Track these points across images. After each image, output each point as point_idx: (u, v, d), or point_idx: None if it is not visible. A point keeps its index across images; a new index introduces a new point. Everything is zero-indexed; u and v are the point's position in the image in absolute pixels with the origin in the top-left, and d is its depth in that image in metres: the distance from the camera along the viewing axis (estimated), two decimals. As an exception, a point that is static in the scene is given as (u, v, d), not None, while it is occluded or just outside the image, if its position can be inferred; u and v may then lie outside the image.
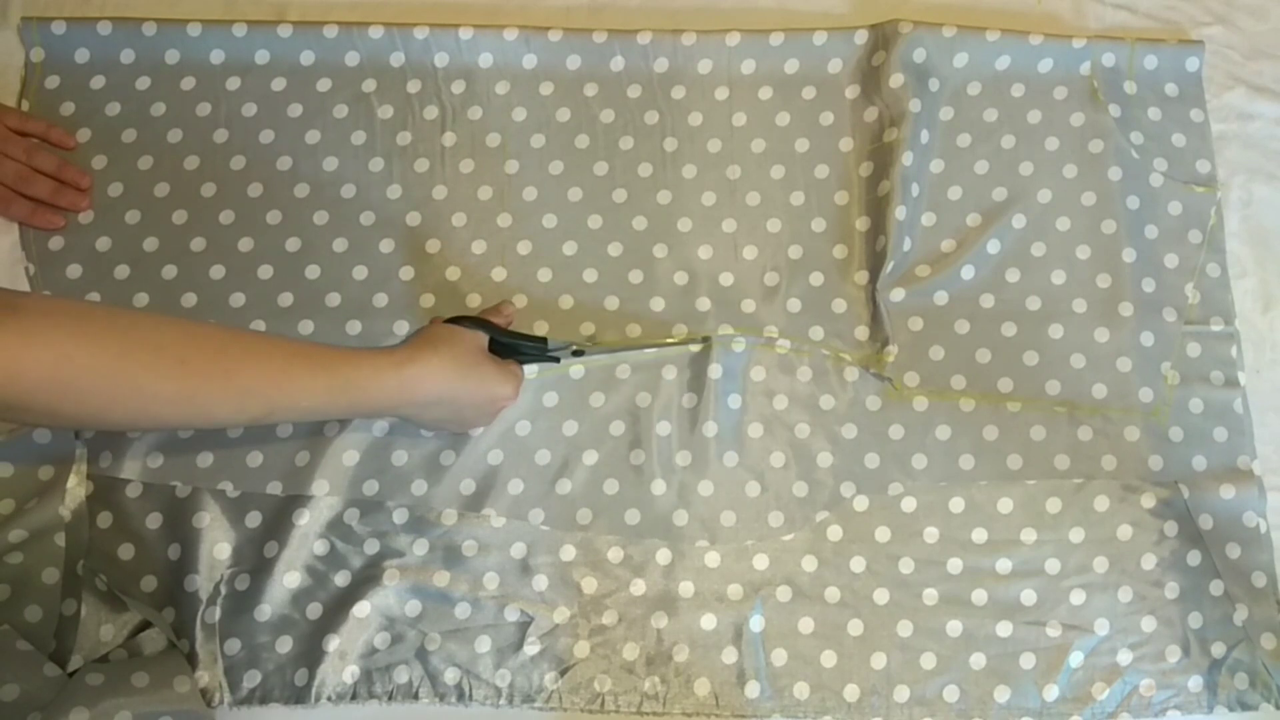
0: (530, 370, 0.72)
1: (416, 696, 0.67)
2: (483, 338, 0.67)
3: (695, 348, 0.73)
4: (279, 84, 0.78)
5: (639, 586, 0.70)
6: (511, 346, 0.69)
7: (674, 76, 0.79)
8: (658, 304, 0.74)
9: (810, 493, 0.71)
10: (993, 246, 0.76)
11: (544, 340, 0.71)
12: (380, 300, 0.74)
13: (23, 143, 0.73)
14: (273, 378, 0.56)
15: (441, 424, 0.69)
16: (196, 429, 0.66)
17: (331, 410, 0.61)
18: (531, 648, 0.68)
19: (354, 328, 0.73)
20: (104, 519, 0.69)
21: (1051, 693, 0.69)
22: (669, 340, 0.73)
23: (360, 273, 0.74)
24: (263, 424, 0.65)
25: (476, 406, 0.68)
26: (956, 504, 0.71)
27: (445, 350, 0.64)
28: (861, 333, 0.74)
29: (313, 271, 0.74)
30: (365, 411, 0.66)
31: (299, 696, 0.66)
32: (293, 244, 0.75)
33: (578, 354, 0.72)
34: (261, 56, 0.78)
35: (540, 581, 0.69)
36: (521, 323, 0.74)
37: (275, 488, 0.70)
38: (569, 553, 0.70)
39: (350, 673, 0.67)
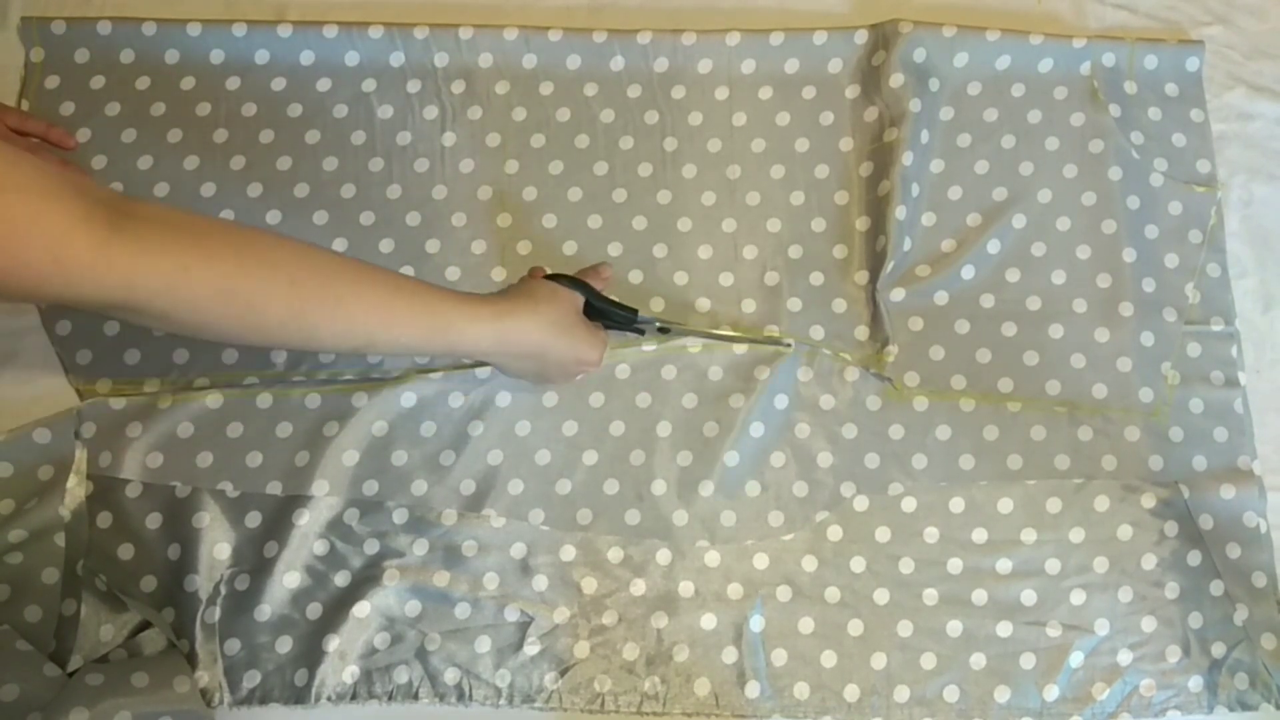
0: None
1: (416, 696, 0.67)
2: (579, 298, 0.68)
3: (780, 348, 0.73)
4: (279, 84, 0.78)
5: (639, 586, 0.70)
6: (602, 311, 0.70)
7: (674, 76, 0.79)
8: (658, 304, 0.74)
9: (810, 493, 0.71)
10: (993, 246, 0.76)
11: (634, 311, 0.71)
12: (380, 300, 0.74)
13: (22, 142, 0.73)
14: (378, 311, 0.57)
15: (525, 375, 0.70)
16: (301, 349, 0.66)
17: (428, 349, 0.63)
18: (531, 648, 0.68)
19: (354, 328, 0.73)
20: (104, 519, 0.69)
21: (1052, 693, 0.69)
22: (749, 334, 0.73)
23: (360, 273, 0.74)
24: (362, 353, 0.67)
25: (563, 365, 0.68)
26: (956, 504, 0.71)
27: (544, 308, 0.65)
28: (861, 333, 0.74)
29: (313, 271, 0.74)
30: (461, 353, 0.68)
31: (299, 697, 0.66)
32: (293, 244, 0.75)
33: (664, 331, 0.72)
34: (261, 56, 0.78)
35: (540, 581, 0.69)
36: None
37: (275, 488, 0.70)
38: (569, 553, 0.70)
39: (350, 673, 0.67)
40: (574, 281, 0.68)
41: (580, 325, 0.68)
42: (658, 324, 0.72)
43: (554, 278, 0.68)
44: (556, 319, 0.65)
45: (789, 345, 0.73)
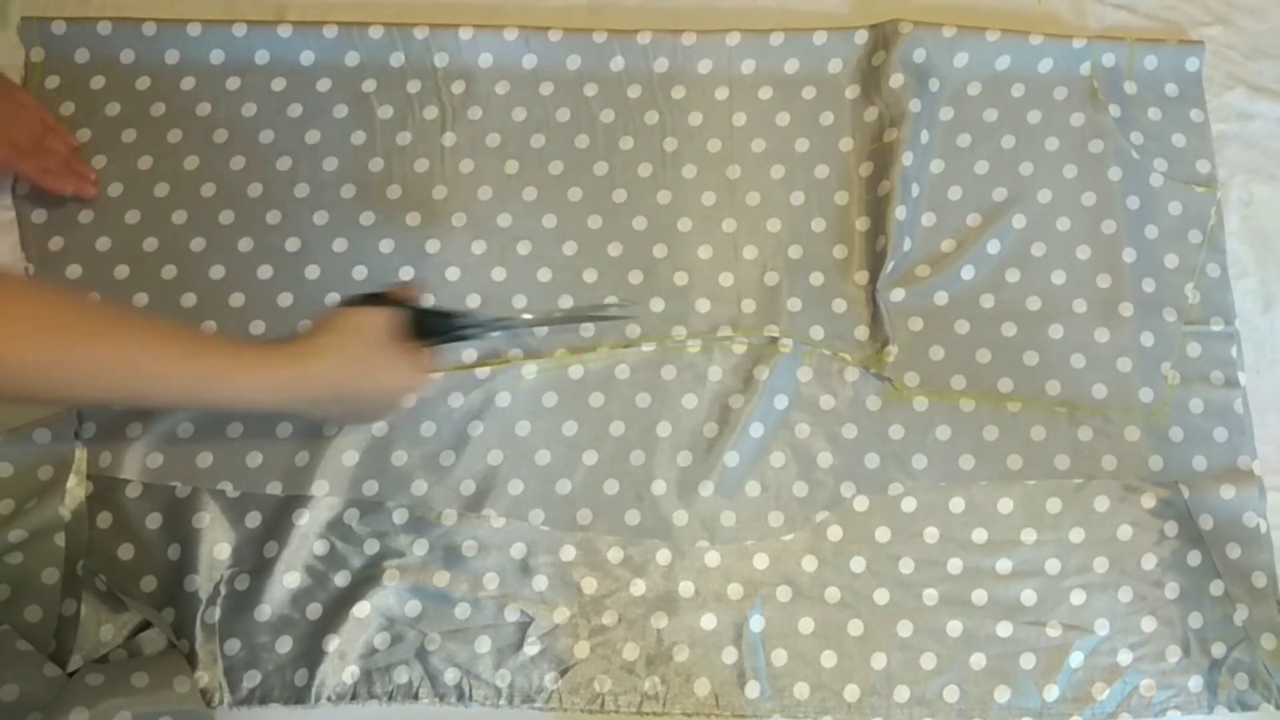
0: (529, 370, 0.72)
1: (416, 697, 0.67)
2: (387, 319, 0.63)
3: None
4: (279, 84, 0.78)
5: (639, 586, 0.70)
6: (426, 327, 0.66)
7: (674, 76, 0.79)
8: (657, 304, 0.74)
9: (810, 493, 0.71)
10: (993, 246, 0.76)
11: (455, 313, 0.69)
12: (380, 300, 0.74)
13: (38, 118, 0.73)
14: (134, 355, 0.55)
15: (336, 418, 0.69)
16: (54, 401, 0.62)
17: (198, 402, 0.59)
18: (531, 648, 0.68)
19: (354, 328, 0.73)
20: (104, 519, 0.69)
21: (1052, 693, 0.69)
22: (589, 312, 0.73)
23: (360, 272, 0.74)
24: (125, 404, 0.61)
25: (383, 399, 0.66)
26: (956, 504, 0.71)
27: (346, 341, 0.61)
28: (861, 333, 0.74)
29: (313, 271, 0.74)
30: (239, 408, 0.63)
31: (299, 697, 0.66)
32: (293, 244, 0.75)
33: (502, 327, 0.71)
34: (261, 56, 0.78)
35: (540, 581, 0.69)
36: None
37: (275, 488, 0.70)
38: (569, 553, 0.70)
39: (350, 673, 0.67)
40: (379, 298, 0.65)
41: (387, 353, 0.63)
42: (491, 322, 0.70)
43: (359, 299, 0.65)
44: (357, 354, 0.61)
45: (628, 319, 0.73)
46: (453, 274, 0.74)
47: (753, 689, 0.68)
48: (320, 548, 0.69)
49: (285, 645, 0.67)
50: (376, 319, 0.63)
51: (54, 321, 0.52)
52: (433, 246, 0.75)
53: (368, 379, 0.63)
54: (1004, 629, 0.69)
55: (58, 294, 0.55)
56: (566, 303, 0.74)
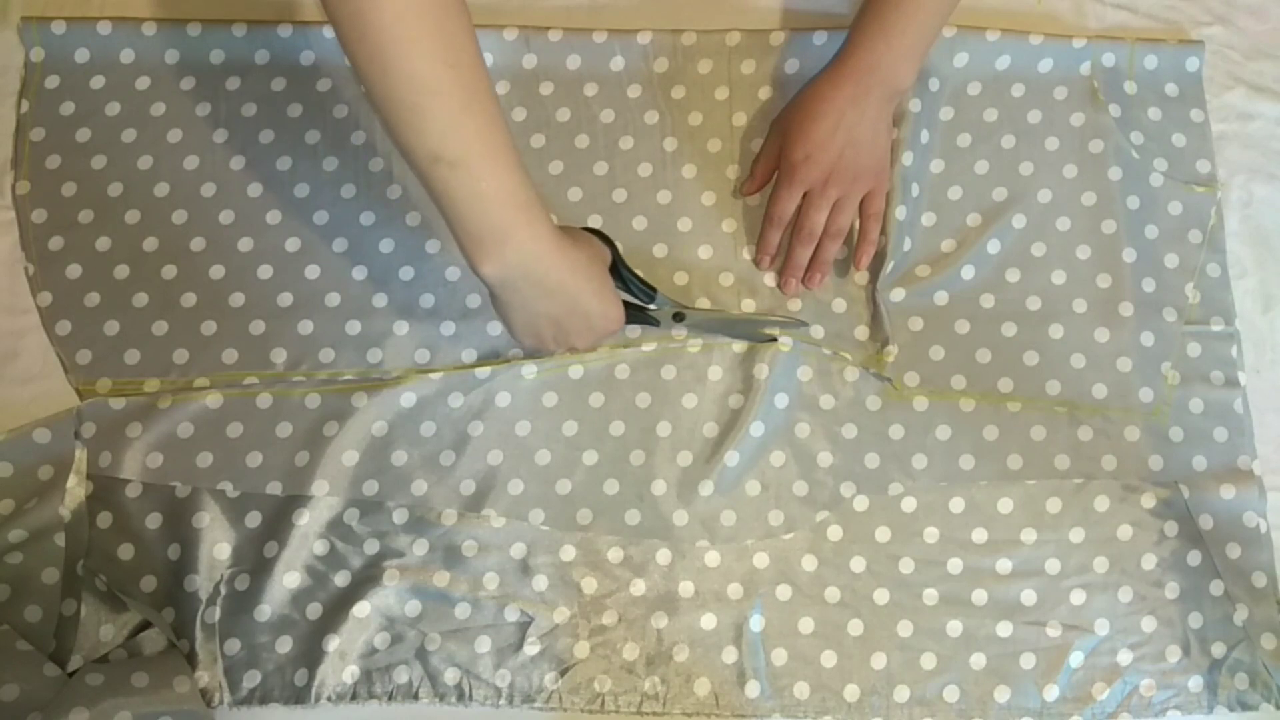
0: (529, 370, 0.72)
1: (416, 697, 0.67)
2: (608, 255, 0.68)
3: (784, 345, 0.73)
4: (279, 84, 0.78)
5: (639, 586, 0.70)
6: (624, 284, 0.70)
7: (674, 76, 0.79)
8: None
9: (810, 492, 0.71)
10: (993, 246, 0.76)
11: (654, 290, 0.71)
12: (380, 300, 0.74)
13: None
14: (478, 141, 0.55)
15: (543, 325, 0.64)
16: (399, 127, 0.55)
17: (493, 216, 0.56)
18: (531, 648, 0.68)
19: (354, 328, 0.73)
20: (104, 519, 0.69)
21: (1052, 693, 0.69)
22: (764, 316, 0.73)
23: (360, 273, 0.74)
24: (434, 170, 0.55)
25: (588, 317, 0.65)
26: (956, 504, 0.71)
27: (584, 250, 0.64)
28: (861, 333, 0.74)
29: (313, 271, 0.74)
30: (509, 244, 0.58)
31: (299, 697, 0.66)
32: (293, 244, 0.75)
33: (678, 318, 0.72)
34: (261, 56, 0.78)
35: (540, 581, 0.69)
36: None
37: (275, 488, 0.70)
38: (569, 553, 0.70)
39: (350, 673, 0.67)
40: (605, 238, 0.68)
41: (609, 284, 0.66)
42: (672, 310, 0.72)
43: (587, 230, 0.68)
44: (593, 261, 0.64)
45: (805, 323, 0.73)
46: (453, 274, 0.75)
47: (753, 689, 0.68)
48: (320, 548, 0.69)
49: (285, 645, 0.67)
50: (607, 253, 0.67)
51: (466, 76, 0.53)
52: (433, 246, 0.75)
53: (591, 293, 0.64)
54: (1004, 629, 0.69)
55: (482, 76, 0.55)
56: None
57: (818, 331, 0.74)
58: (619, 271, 0.70)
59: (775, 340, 0.73)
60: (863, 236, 0.74)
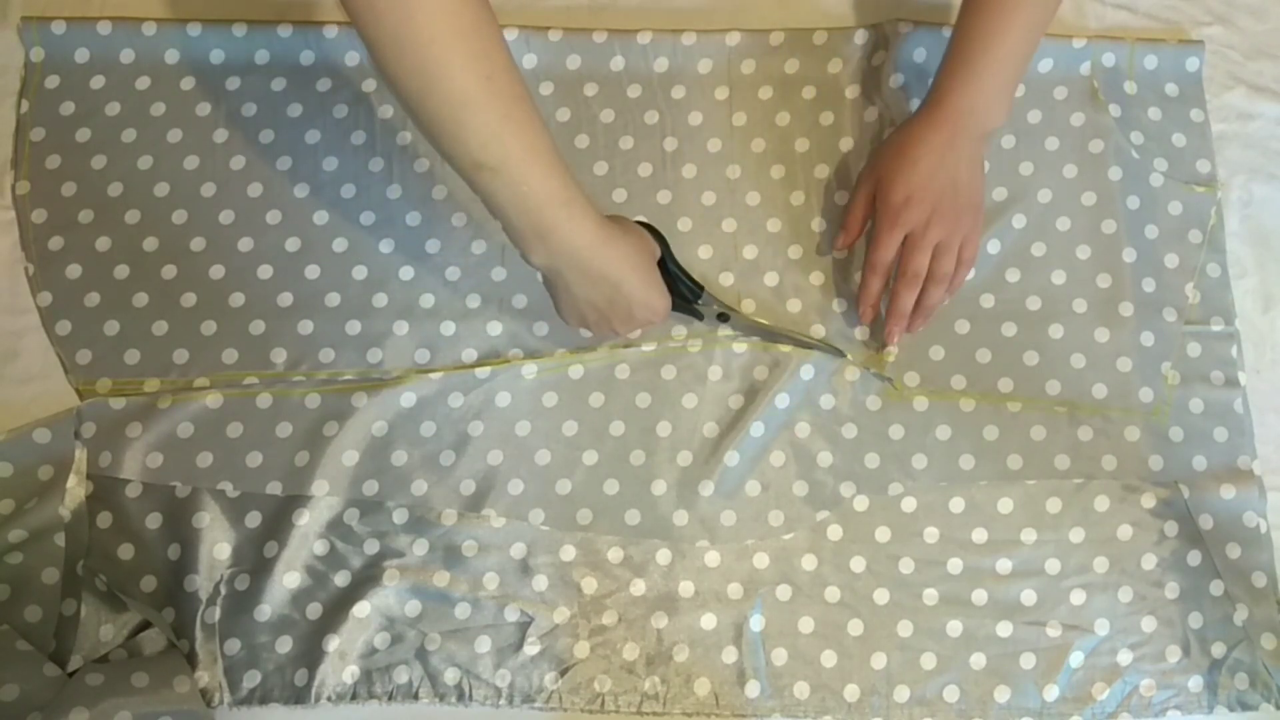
0: (529, 370, 0.72)
1: (416, 697, 0.67)
2: (658, 250, 0.68)
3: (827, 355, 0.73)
4: (279, 84, 0.78)
5: (639, 586, 0.70)
6: (672, 278, 0.70)
7: (674, 76, 0.79)
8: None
9: (810, 492, 0.71)
10: (993, 246, 0.76)
11: (701, 287, 0.72)
12: (380, 300, 0.74)
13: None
14: (525, 147, 0.57)
15: (588, 310, 0.66)
16: (441, 136, 0.57)
17: (536, 215, 0.59)
18: (531, 648, 0.68)
19: (354, 328, 0.73)
20: (104, 519, 0.69)
21: (1052, 693, 0.69)
22: (805, 336, 0.73)
23: (360, 273, 0.74)
24: (479, 176, 0.58)
25: (631, 306, 0.66)
26: (956, 504, 0.71)
27: (634, 240, 0.65)
28: (861, 333, 0.74)
29: (313, 271, 0.74)
30: (550, 246, 0.61)
31: (299, 697, 0.66)
32: (293, 244, 0.75)
33: (723, 318, 0.73)
34: (261, 56, 0.78)
35: (540, 581, 0.69)
36: (523, 320, 0.74)
37: (275, 488, 0.70)
38: (569, 553, 0.70)
39: (350, 673, 0.67)
40: (656, 233, 0.69)
41: (655, 273, 0.68)
42: (718, 309, 0.72)
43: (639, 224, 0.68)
44: (640, 253, 0.66)
45: (843, 354, 0.73)
46: (453, 274, 0.75)
47: (753, 689, 0.68)
48: (320, 548, 0.69)
49: (285, 645, 0.67)
50: (656, 247, 0.68)
51: (499, 79, 0.55)
52: (433, 246, 0.75)
53: (635, 283, 0.65)
54: (1004, 629, 0.69)
55: (518, 82, 0.57)
56: None
57: (818, 331, 0.74)
58: (667, 266, 0.70)
59: (833, 350, 0.73)
60: (951, 283, 0.72)
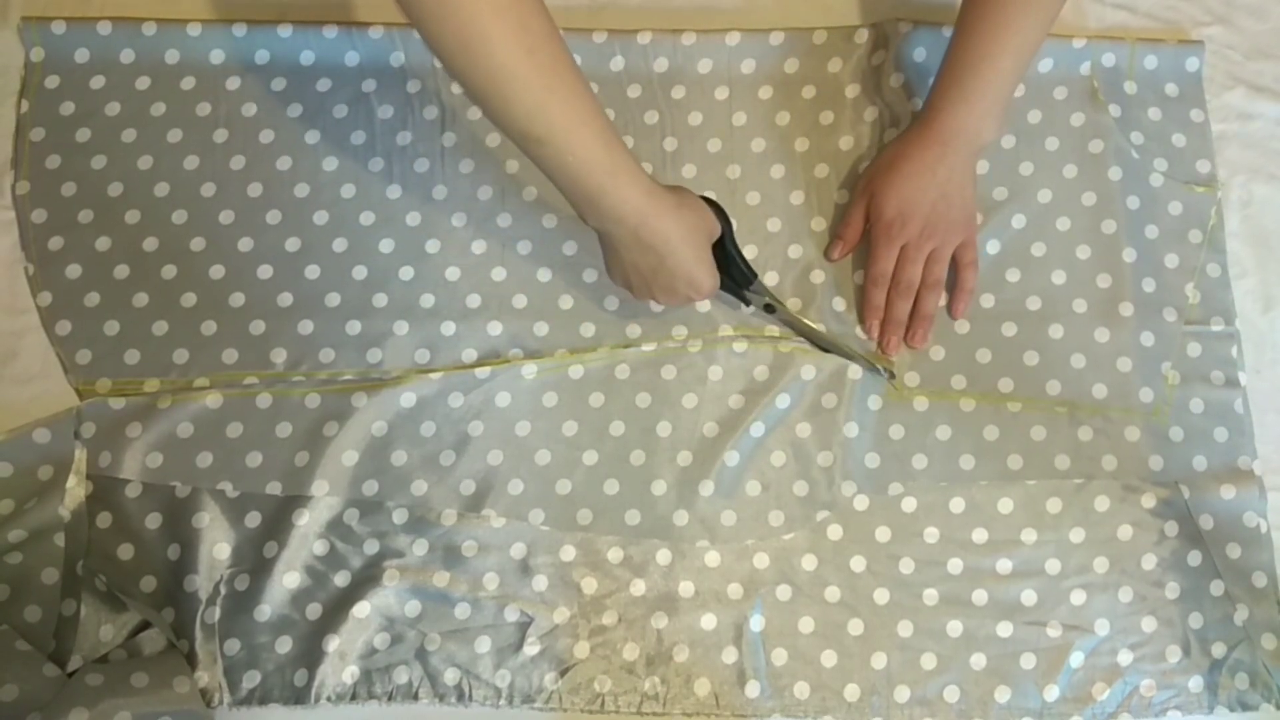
0: (529, 370, 0.72)
1: (416, 697, 0.67)
2: (718, 229, 0.68)
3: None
4: (279, 84, 0.78)
5: (639, 586, 0.70)
6: (727, 259, 0.70)
7: (674, 76, 0.79)
8: (658, 304, 0.74)
9: (810, 492, 0.71)
10: (992, 246, 0.76)
11: (754, 275, 0.72)
12: (380, 300, 0.74)
13: None
14: (572, 119, 0.58)
15: (633, 276, 0.67)
16: (492, 102, 0.58)
17: (581, 185, 0.61)
18: (531, 648, 0.68)
19: (354, 328, 0.73)
20: (104, 519, 0.69)
21: (1052, 693, 0.69)
22: (848, 350, 0.73)
23: (360, 273, 0.74)
24: (529, 146, 0.60)
25: (674, 278, 0.66)
26: (957, 504, 0.71)
27: (689, 213, 0.65)
28: (862, 332, 0.74)
29: (313, 271, 0.74)
30: (601, 212, 0.62)
31: (299, 697, 0.66)
32: (293, 244, 0.75)
33: (769, 310, 0.73)
34: (261, 56, 0.78)
35: (540, 582, 0.69)
36: (523, 320, 0.74)
37: (275, 488, 0.70)
38: (569, 553, 0.70)
39: (350, 673, 0.67)
40: (721, 212, 0.69)
41: (706, 248, 0.67)
42: (766, 300, 0.72)
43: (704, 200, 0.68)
44: (693, 229, 0.65)
45: (890, 374, 0.73)
46: (453, 274, 0.75)
47: (753, 689, 0.68)
48: (320, 548, 0.69)
49: (285, 645, 0.67)
50: (715, 218, 0.68)
51: (544, 52, 0.56)
52: (433, 246, 0.75)
53: (690, 252, 0.65)
54: (1004, 629, 0.69)
55: (563, 54, 0.58)
56: (566, 304, 0.74)
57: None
58: (725, 246, 0.70)
59: (875, 369, 0.73)
60: (961, 286, 0.74)
